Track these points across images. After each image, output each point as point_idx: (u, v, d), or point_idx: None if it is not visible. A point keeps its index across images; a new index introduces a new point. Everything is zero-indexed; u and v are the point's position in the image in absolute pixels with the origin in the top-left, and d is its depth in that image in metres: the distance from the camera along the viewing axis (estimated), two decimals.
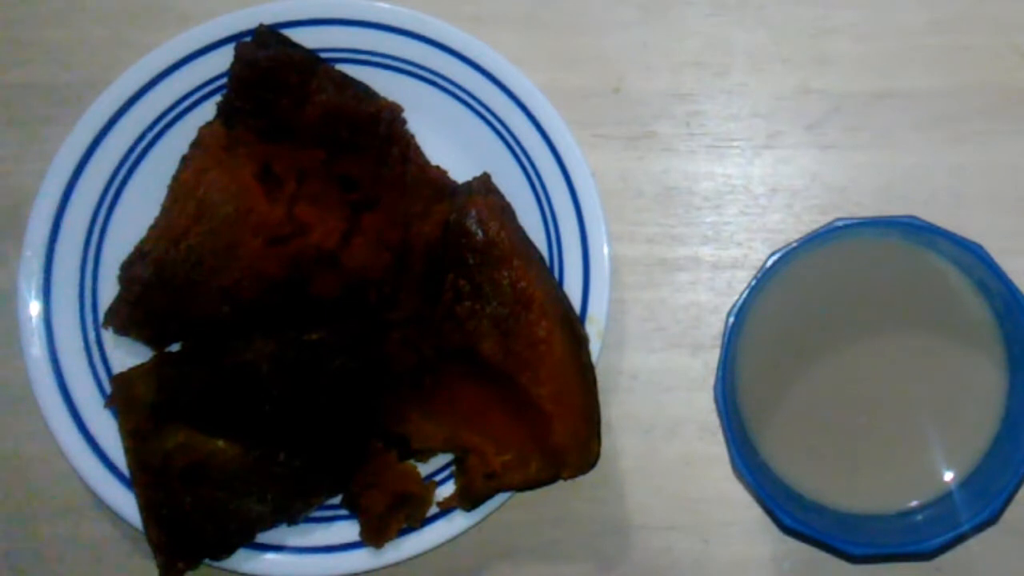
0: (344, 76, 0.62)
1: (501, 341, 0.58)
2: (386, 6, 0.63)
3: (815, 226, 0.55)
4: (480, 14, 0.66)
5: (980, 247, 0.54)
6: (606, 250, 0.61)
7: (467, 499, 0.59)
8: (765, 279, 0.55)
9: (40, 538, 0.64)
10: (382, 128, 0.62)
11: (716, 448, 0.62)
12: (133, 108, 0.62)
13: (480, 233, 0.58)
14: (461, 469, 0.59)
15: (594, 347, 0.60)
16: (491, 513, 0.60)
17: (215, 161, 0.60)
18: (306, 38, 0.62)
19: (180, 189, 0.61)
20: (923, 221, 0.54)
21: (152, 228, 0.61)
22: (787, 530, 0.55)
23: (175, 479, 0.58)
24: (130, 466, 0.59)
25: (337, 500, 0.60)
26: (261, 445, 0.59)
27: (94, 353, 0.62)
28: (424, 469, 0.61)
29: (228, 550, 0.59)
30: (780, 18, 0.66)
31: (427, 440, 0.59)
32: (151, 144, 0.63)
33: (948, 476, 0.57)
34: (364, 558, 0.60)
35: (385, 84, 0.63)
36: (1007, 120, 0.65)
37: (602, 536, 0.62)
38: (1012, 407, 0.56)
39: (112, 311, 0.61)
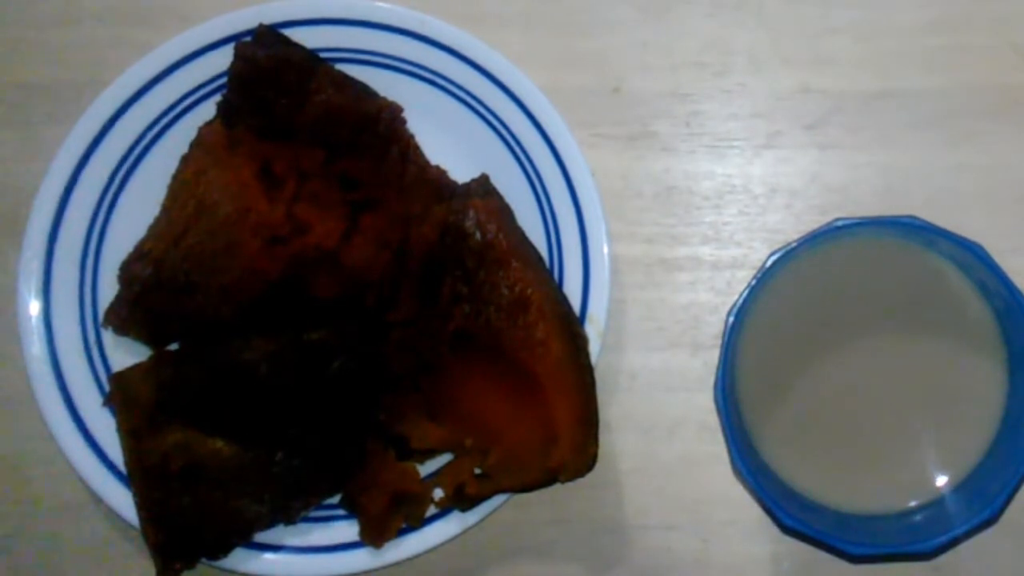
0: (344, 76, 0.62)
1: (499, 343, 0.58)
2: (386, 6, 0.63)
3: (815, 226, 0.55)
4: (480, 14, 0.66)
5: (980, 247, 0.54)
6: (606, 250, 0.61)
7: (464, 500, 0.59)
8: (765, 279, 0.55)
9: (40, 538, 0.64)
10: (382, 128, 0.62)
11: (716, 448, 0.62)
12: (133, 108, 0.62)
13: (478, 235, 0.58)
14: (459, 469, 0.59)
15: (594, 347, 0.60)
16: (490, 513, 0.60)
17: (215, 160, 0.60)
18: (306, 38, 0.62)
19: (180, 189, 0.61)
20: (923, 221, 0.54)
21: (152, 228, 0.61)
22: (787, 530, 0.55)
23: (173, 479, 0.58)
24: (128, 465, 0.59)
25: (336, 500, 0.60)
26: (259, 445, 0.59)
27: (94, 353, 0.62)
28: (423, 469, 0.61)
29: (225, 550, 0.59)
30: (780, 18, 0.66)
31: (426, 440, 0.59)
32: (151, 144, 0.63)
33: (948, 476, 0.57)
34: (363, 558, 0.60)
35: (385, 84, 0.63)
36: (1007, 120, 0.65)
37: (601, 536, 0.62)
38: (1012, 407, 0.56)
39: (112, 310, 0.61)
